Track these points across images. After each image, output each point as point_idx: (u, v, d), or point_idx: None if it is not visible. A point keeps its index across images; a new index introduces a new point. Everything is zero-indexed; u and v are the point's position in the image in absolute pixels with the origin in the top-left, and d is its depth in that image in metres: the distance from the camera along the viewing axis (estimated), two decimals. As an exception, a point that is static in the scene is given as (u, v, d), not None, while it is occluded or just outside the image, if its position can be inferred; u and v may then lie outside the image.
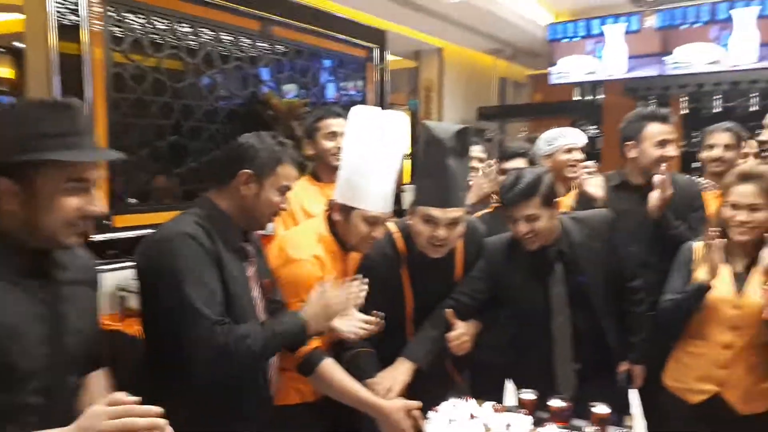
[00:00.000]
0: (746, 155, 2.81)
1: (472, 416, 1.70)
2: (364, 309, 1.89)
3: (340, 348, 1.93)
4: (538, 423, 1.82)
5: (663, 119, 2.46)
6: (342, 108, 2.59)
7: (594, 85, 5.69)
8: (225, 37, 3.61)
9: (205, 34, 3.50)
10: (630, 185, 2.48)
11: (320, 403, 1.93)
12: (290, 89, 4.10)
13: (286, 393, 1.88)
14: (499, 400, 1.95)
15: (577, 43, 5.39)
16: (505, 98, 6.67)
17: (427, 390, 1.90)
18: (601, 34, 5.25)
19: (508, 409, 1.87)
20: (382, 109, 2.08)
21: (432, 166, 1.93)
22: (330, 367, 1.78)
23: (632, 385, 2.18)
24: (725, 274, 1.98)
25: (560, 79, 5.56)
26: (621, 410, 2.03)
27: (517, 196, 1.98)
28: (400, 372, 1.92)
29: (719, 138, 2.79)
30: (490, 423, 1.66)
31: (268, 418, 1.73)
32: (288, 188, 1.68)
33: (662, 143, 2.40)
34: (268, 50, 3.89)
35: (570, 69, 5.49)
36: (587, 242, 2.09)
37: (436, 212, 1.90)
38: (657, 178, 2.29)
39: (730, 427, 1.97)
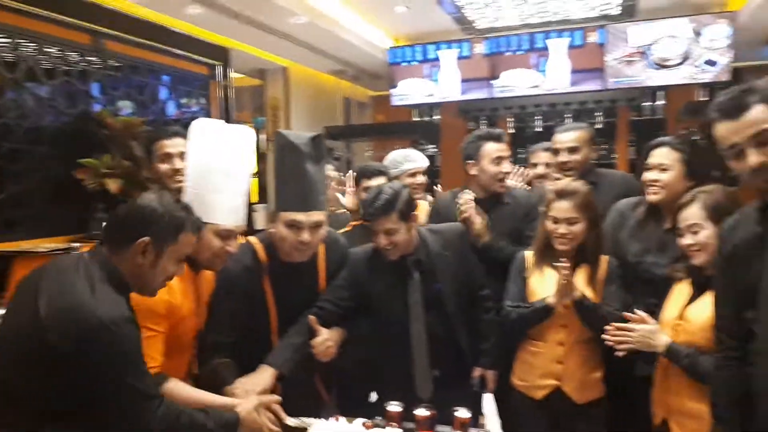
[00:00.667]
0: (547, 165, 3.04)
1: (341, 435, 1.71)
2: (227, 323, 1.89)
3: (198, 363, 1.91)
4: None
5: (497, 138, 2.69)
6: (183, 126, 2.48)
7: (431, 107, 6.04)
8: (50, 50, 3.29)
9: (27, 46, 3.16)
10: (475, 200, 2.67)
11: None
12: (125, 106, 3.83)
13: None
14: (367, 414, 1.97)
15: (415, 66, 5.69)
16: (349, 118, 6.84)
17: (297, 409, 1.88)
18: (437, 58, 5.59)
19: (377, 424, 1.90)
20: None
21: (290, 172, 1.96)
22: (173, 385, 1.70)
23: (485, 390, 2.32)
24: (553, 280, 2.19)
25: (401, 101, 5.82)
26: (475, 412, 2.15)
27: (377, 210, 2.10)
28: (261, 377, 1.92)
29: (540, 157, 3.14)
30: None
31: None
32: (187, 255, 1.62)
33: (498, 160, 2.62)
34: (99, 65, 3.61)
35: (410, 91, 5.77)
36: (442, 252, 2.23)
37: (299, 216, 1.94)
38: (461, 219, 2.49)
39: (570, 415, 2.18)
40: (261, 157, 6.83)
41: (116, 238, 1.50)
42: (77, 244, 2.96)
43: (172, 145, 2.40)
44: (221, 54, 4.63)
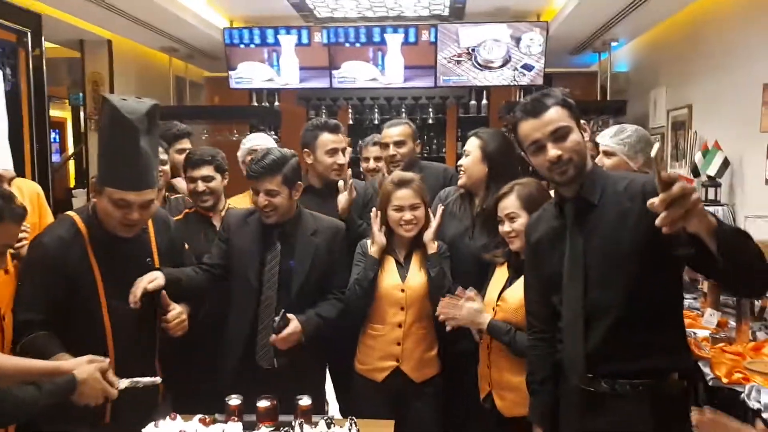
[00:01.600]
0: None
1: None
2: (41, 298, 1.78)
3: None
4: (249, 427, 1.84)
5: (332, 129, 2.72)
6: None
7: (271, 92, 5.92)
8: None
9: None
10: (313, 189, 2.69)
11: None
12: None
13: None
14: (206, 409, 1.90)
15: (254, 50, 5.53)
16: (182, 99, 6.45)
17: (134, 397, 1.74)
18: (276, 43, 5.50)
19: (216, 420, 1.85)
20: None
21: (122, 148, 1.80)
22: None
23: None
24: (392, 265, 2.31)
25: (241, 84, 5.63)
26: (320, 399, 2.19)
27: (263, 169, 2.15)
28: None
29: (370, 151, 3.26)
30: None
31: None
32: (10, 246, 1.50)
33: (332, 152, 2.66)
34: None
35: (249, 75, 5.60)
36: (312, 236, 2.28)
37: (130, 196, 1.81)
38: (341, 184, 2.54)
39: (409, 394, 2.30)
40: (79, 137, 6.20)
41: None
42: None
43: None
44: (31, 19, 4.10)
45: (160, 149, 2.58)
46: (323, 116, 5.94)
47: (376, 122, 5.69)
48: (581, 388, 1.62)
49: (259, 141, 2.95)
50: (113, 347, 1.87)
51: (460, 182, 2.52)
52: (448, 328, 2.17)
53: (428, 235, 2.32)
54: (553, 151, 1.58)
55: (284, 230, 2.26)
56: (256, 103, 5.90)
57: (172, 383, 2.05)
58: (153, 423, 1.74)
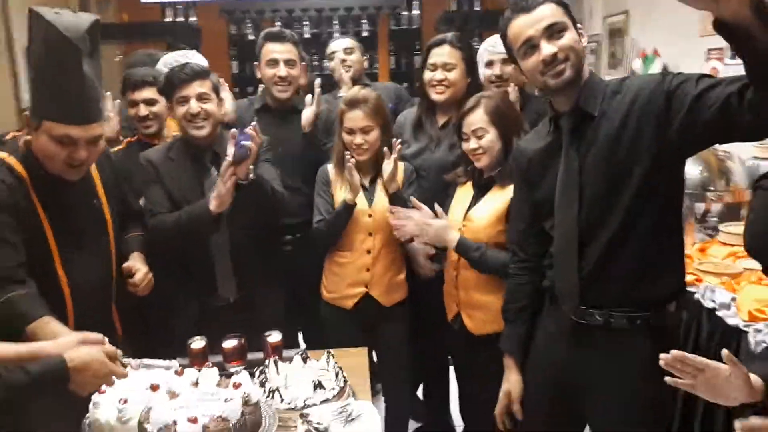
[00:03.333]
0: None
1: (154, 388, 1.49)
2: (7, 244, 1.56)
3: None
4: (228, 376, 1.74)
5: (274, 37, 2.50)
6: None
7: (187, 6, 5.44)
8: None
9: None
10: (268, 108, 2.51)
11: None
12: None
13: None
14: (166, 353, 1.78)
15: (165, -43, 5.01)
16: (86, 15, 5.82)
17: None
18: (191, -51, 4.99)
19: (184, 366, 1.74)
20: None
21: (62, 73, 1.54)
22: None
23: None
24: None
25: (152, -3, 5.13)
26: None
27: (192, 73, 2.02)
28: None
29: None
30: (176, 388, 1.45)
31: None
32: None
33: (273, 62, 2.45)
34: None
35: (161, -14, 5.09)
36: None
37: (75, 131, 1.56)
38: (308, 98, 2.36)
39: (378, 319, 2.28)
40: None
41: None
42: None
43: None
44: None
45: None
46: (248, 32, 5.55)
47: (306, 36, 5.36)
48: (572, 320, 1.56)
49: (184, 57, 2.65)
50: (71, 301, 1.69)
51: (439, 97, 2.35)
52: (398, 236, 2.10)
53: (386, 178, 2.18)
54: (547, 48, 1.44)
55: (214, 151, 2.09)
56: (171, 20, 5.40)
57: (128, 330, 1.92)
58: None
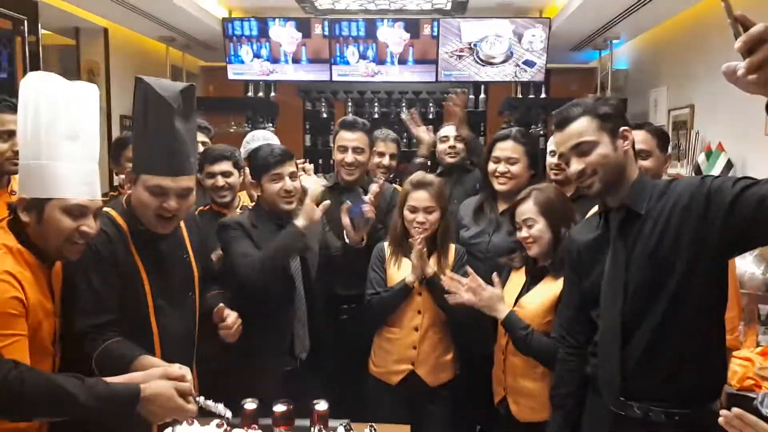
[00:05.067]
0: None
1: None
2: (103, 300, 1.68)
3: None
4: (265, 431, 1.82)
5: (347, 126, 2.71)
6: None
7: (268, 84, 5.86)
8: None
9: None
10: (340, 186, 2.70)
11: None
12: None
13: None
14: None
15: (252, 40, 5.46)
16: (177, 89, 6.36)
17: None
18: (276, 34, 5.42)
19: (234, 425, 1.82)
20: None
21: (157, 130, 1.70)
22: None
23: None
24: (409, 267, 2.27)
25: (238, 75, 5.56)
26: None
27: (283, 154, 2.25)
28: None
29: (387, 147, 3.13)
30: None
31: None
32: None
33: (342, 149, 2.66)
34: None
35: (247, 66, 5.53)
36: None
37: (166, 182, 1.70)
38: (373, 186, 2.53)
39: (424, 397, 2.29)
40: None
41: None
42: None
43: (8, 121, 1.99)
44: (28, 7, 4.01)
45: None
46: (322, 109, 5.89)
47: (376, 116, 5.63)
48: (613, 411, 1.58)
49: (263, 138, 2.92)
50: (160, 350, 1.78)
51: (502, 188, 2.47)
52: (451, 302, 2.11)
53: (415, 270, 2.24)
54: (574, 166, 1.58)
55: (291, 219, 2.24)
56: (252, 94, 5.82)
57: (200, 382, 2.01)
58: (170, 428, 1.71)
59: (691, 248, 1.46)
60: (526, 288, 2.13)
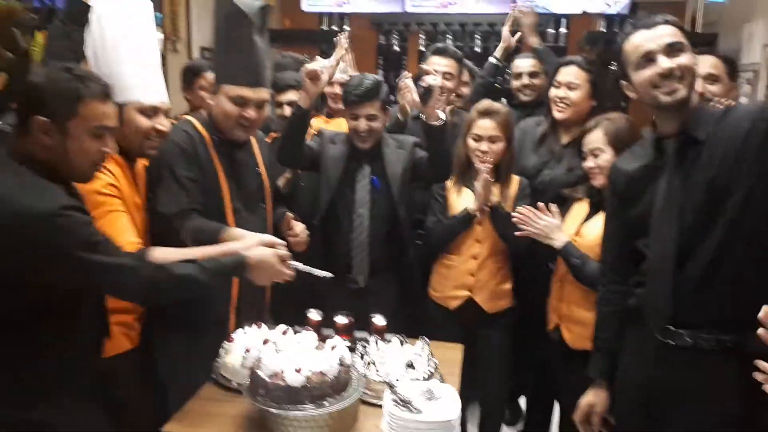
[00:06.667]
0: (465, 83, 3.10)
1: (265, 341, 1.73)
2: (189, 188, 1.82)
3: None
4: (324, 340, 1.94)
5: (438, 52, 2.71)
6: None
7: (342, 16, 5.84)
8: None
9: None
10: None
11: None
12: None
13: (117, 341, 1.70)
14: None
15: (328, -28, 5.44)
16: (254, 21, 6.44)
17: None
18: (351, -35, 5.36)
19: (297, 331, 1.96)
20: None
21: (238, 42, 1.86)
22: (159, 253, 1.55)
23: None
24: (470, 196, 2.30)
25: (313, 7, 5.58)
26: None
27: (364, 94, 2.20)
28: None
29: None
30: (280, 345, 1.68)
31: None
32: (106, 128, 1.42)
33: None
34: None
35: (321, -2, 5.53)
36: (395, 152, 2.33)
37: (247, 92, 1.87)
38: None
39: (481, 324, 2.36)
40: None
41: (17, 126, 1.38)
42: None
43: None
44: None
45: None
46: (394, 43, 5.83)
47: (449, 49, 5.53)
48: (657, 340, 1.55)
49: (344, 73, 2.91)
50: None
51: (559, 115, 2.43)
52: (519, 233, 2.13)
53: (479, 199, 2.24)
54: (666, 62, 1.46)
55: (371, 153, 2.30)
56: (326, 27, 5.83)
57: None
58: (242, 329, 1.87)
59: (751, 175, 1.42)
60: (588, 218, 2.12)
